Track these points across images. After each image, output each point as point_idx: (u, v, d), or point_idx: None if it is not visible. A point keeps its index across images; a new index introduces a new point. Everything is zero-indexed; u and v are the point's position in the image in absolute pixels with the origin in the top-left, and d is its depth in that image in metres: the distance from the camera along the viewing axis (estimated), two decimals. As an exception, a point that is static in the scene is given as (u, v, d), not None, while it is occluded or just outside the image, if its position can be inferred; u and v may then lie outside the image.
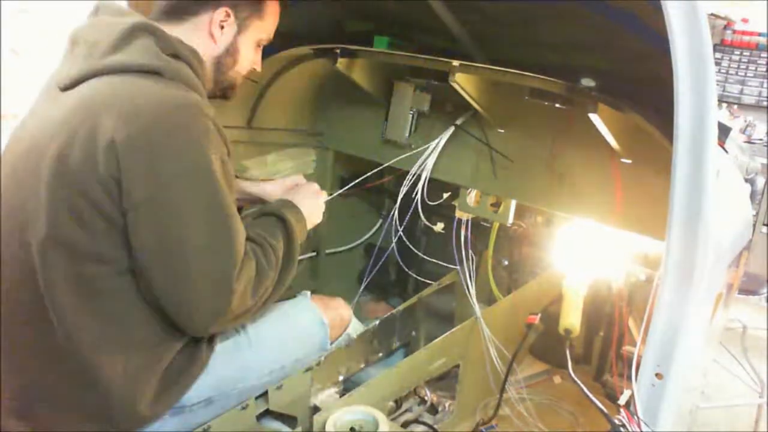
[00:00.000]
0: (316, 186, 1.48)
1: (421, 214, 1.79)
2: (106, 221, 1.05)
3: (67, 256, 1.06)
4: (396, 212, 1.81)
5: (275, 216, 1.28)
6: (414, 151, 1.83)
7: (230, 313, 1.10)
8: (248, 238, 1.16)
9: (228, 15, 1.23)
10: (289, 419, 1.42)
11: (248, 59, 1.32)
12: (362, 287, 2.03)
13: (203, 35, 1.23)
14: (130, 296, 1.10)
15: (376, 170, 1.84)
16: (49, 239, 1.06)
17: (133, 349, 1.12)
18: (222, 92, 1.33)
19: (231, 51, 1.27)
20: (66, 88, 1.12)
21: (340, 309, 1.53)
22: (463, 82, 1.55)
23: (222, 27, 1.23)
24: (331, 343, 1.48)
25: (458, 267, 1.74)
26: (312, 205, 1.40)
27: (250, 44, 1.30)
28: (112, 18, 1.17)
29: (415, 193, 1.77)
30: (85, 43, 1.14)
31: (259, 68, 1.37)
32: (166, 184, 1.04)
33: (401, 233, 1.84)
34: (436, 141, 1.77)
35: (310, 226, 1.39)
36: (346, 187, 1.89)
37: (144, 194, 1.03)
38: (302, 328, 1.44)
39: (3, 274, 1.12)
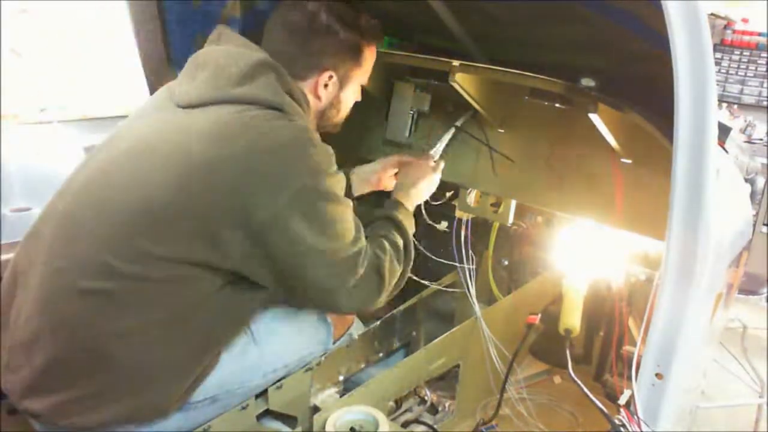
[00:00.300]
0: (422, 163, 1.61)
1: (425, 215, 1.79)
2: (218, 238, 1.12)
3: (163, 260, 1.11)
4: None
5: (391, 221, 1.44)
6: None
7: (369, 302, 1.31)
8: (373, 239, 1.35)
9: (331, 78, 1.33)
10: (289, 419, 1.42)
11: (350, 105, 1.44)
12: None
13: (309, 93, 1.33)
14: (208, 303, 1.17)
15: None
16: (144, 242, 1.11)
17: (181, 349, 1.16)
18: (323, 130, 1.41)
19: (335, 104, 1.39)
20: (187, 107, 1.20)
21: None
22: (463, 82, 1.55)
23: (326, 86, 1.34)
24: (334, 342, 1.49)
25: (458, 267, 1.74)
26: (423, 187, 1.58)
27: (353, 92, 1.43)
28: (236, 48, 1.25)
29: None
30: (210, 68, 1.21)
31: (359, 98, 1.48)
32: (286, 205, 1.13)
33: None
34: (438, 145, 1.77)
35: (422, 200, 1.60)
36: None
37: (268, 214, 1.12)
38: (306, 326, 1.44)
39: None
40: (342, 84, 1.37)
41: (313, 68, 1.31)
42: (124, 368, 1.12)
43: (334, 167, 1.25)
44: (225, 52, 1.24)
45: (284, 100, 1.21)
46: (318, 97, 1.35)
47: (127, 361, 1.12)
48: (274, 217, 1.13)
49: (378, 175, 1.66)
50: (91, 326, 1.11)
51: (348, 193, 1.64)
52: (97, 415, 1.11)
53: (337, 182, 1.24)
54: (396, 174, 1.66)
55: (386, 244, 1.36)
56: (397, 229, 1.42)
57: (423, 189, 1.59)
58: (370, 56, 1.40)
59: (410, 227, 1.46)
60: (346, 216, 1.26)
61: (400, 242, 1.40)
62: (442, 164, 1.65)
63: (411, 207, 1.53)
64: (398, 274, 1.37)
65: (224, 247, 1.13)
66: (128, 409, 1.13)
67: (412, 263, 1.43)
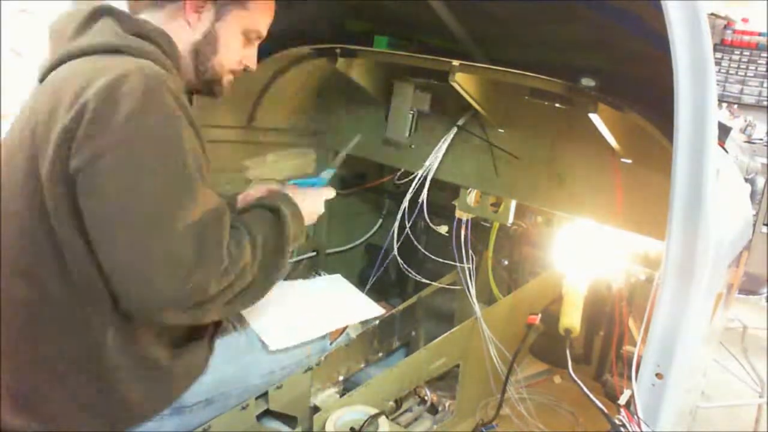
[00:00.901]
0: (323, 189, 1.43)
1: (426, 216, 1.79)
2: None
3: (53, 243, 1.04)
4: (405, 211, 1.81)
5: (267, 208, 1.21)
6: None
7: (186, 297, 0.98)
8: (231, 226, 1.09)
9: (205, 1, 1.18)
10: (289, 419, 1.42)
11: (232, 51, 1.24)
12: (366, 288, 2.03)
13: (180, 21, 1.18)
14: None
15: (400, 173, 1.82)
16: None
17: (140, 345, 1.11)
18: (207, 87, 1.26)
19: (209, 39, 1.21)
20: (41, 80, 1.11)
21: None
22: (464, 82, 1.55)
23: (198, 12, 1.18)
24: (331, 344, 1.49)
25: (458, 267, 1.74)
26: (312, 202, 1.35)
27: (234, 34, 1.23)
28: (78, 8, 1.16)
29: (412, 191, 1.77)
30: (55, 34, 1.15)
31: (252, 65, 1.30)
32: (126, 139, 0.97)
33: (407, 232, 1.84)
34: (440, 144, 1.76)
35: (309, 222, 1.32)
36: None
37: (103, 145, 0.96)
38: None
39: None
40: (218, 16, 1.20)
41: None
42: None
43: (186, 124, 1.04)
44: (66, 13, 1.17)
45: (121, 41, 1.07)
46: (189, 24, 1.19)
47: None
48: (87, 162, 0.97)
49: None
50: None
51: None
52: None
53: (178, 130, 1.01)
54: None
55: (247, 231, 1.12)
56: (275, 223, 1.19)
57: (311, 203, 1.35)
58: (258, 3, 1.24)
59: (295, 227, 1.22)
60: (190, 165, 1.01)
61: (267, 238, 1.15)
62: (332, 193, 1.45)
63: (302, 215, 1.28)
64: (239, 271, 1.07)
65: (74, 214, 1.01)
66: None
67: (277, 272, 1.17)
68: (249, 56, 1.28)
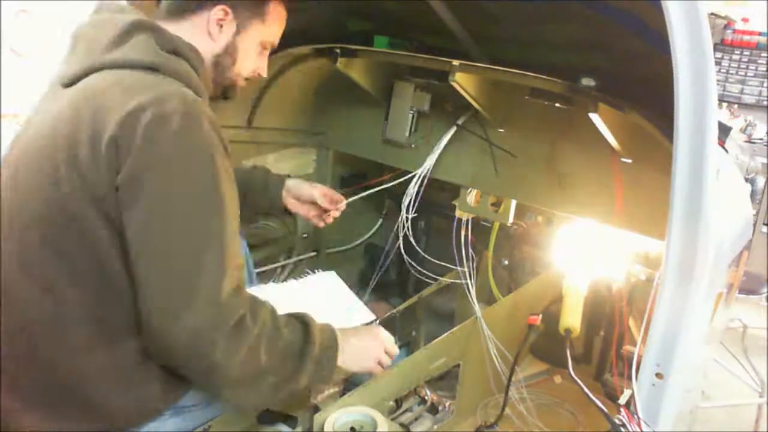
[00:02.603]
0: (381, 332, 1.34)
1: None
2: (108, 215, 1.04)
3: (76, 243, 1.05)
4: (409, 211, 1.81)
5: (303, 322, 1.17)
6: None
7: (211, 341, 0.99)
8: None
9: (226, 13, 1.22)
10: (289, 419, 1.42)
11: (249, 61, 1.30)
12: (369, 288, 2.02)
13: (202, 33, 1.22)
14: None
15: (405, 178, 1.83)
16: (52, 231, 1.05)
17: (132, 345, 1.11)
18: (222, 92, 1.32)
19: (230, 50, 1.26)
20: (68, 85, 1.12)
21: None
22: (464, 82, 1.55)
23: (220, 26, 1.22)
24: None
25: (458, 267, 1.74)
26: (360, 349, 1.27)
27: (252, 46, 1.29)
28: (112, 15, 1.18)
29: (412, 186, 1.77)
30: (85, 40, 1.16)
31: (264, 74, 1.36)
32: (160, 167, 1.01)
33: (407, 231, 1.84)
34: (439, 143, 1.76)
35: (347, 367, 1.25)
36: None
37: (136, 171, 1.00)
38: None
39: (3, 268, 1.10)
40: (239, 29, 1.25)
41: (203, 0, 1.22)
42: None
43: (218, 145, 1.07)
44: (99, 20, 1.18)
45: (160, 60, 1.10)
46: (212, 38, 1.23)
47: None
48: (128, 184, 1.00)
49: (308, 193, 1.64)
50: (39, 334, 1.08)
51: (277, 194, 1.64)
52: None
53: (212, 155, 1.05)
54: (312, 204, 1.66)
55: (284, 327, 1.12)
56: (307, 335, 1.14)
57: (356, 349, 1.27)
58: (275, 14, 1.29)
59: (323, 353, 1.16)
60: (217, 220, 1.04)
61: (297, 346, 1.12)
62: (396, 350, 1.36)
63: (340, 355, 1.21)
64: (260, 364, 1.05)
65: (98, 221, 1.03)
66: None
67: (290, 385, 1.13)
68: (263, 65, 1.35)
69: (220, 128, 1.10)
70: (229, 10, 1.22)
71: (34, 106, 1.23)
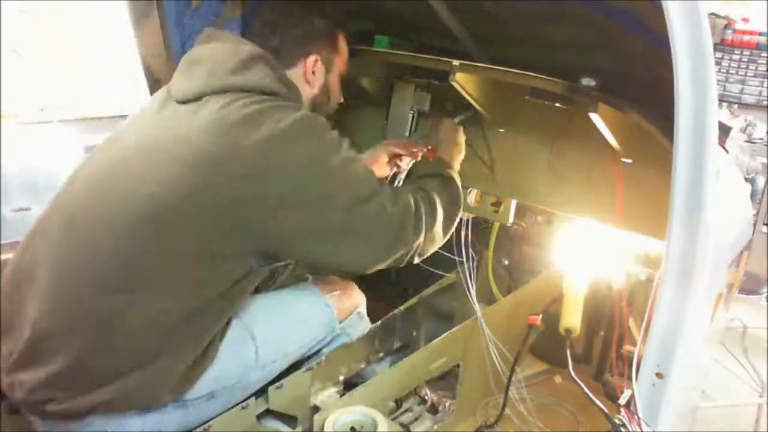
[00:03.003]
0: (447, 123, 1.66)
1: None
2: (235, 224, 1.15)
3: (175, 242, 1.15)
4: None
5: (437, 176, 1.50)
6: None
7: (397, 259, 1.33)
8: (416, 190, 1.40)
9: (317, 61, 1.38)
10: (289, 419, 1.42)
11: (337, 93, 1.49)
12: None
13: (300, 82, 1.36)
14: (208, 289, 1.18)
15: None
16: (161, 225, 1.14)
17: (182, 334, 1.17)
18: None
19: (324, 90, 1.43)
20: (186, 101, 1.22)
21: (348, 289, 1.55)
22: (464, 82, 1.55)
23: (314, 73, 1.39)
24: (341, 323, 1.49)
25: (458, 267, 1.74)
26: (460, 142, 1.63)
27: (337, 78, 1.47)
28: (229, 44, 1.29)
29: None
30: (205, 64, 1.25)
31: (342, 100, 1.52)
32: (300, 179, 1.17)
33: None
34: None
35: (462, 155, 1.63)
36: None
37: (282, 190, 1.16)
38: (303, 311, 1.44)
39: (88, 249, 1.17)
40: (327, 69, 1.42)
41: (299, 55, 1.37)
42: (134, 352, 1.15)
43: (345, 143, 1.28)
44: (218, 47, 1.29)
45: (280, 87, 1.26)
46: (309, 83, 1.39)
47: (139, 347, 1.15)
48: (292, 193, 1.17)
49: (372, 160, 1.67)
50: (111, 320, 1.13)
51: None
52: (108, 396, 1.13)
53: (348, 152, 1.27)
54: (389, 161, 1.69)
55: (431, 195, 1.40)
56: (444, 183, 1.47)
57: (461, 144, 1.63)
58: (342, 41, 1.46)
59: (457, 181, 1.52)
60: (365, 173, 1.30)
61: (446, 197, 1.44)
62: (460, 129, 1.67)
63: (456, 165, 1.59)
64: (439, 221, 1.39)
65: (242, 232, 1.17)
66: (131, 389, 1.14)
67: (457, 216, 1.48)
68: (341, 91, 1.51)
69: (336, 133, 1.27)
70: (318, 58, 1.39)
71: (135, 112, 1.35)
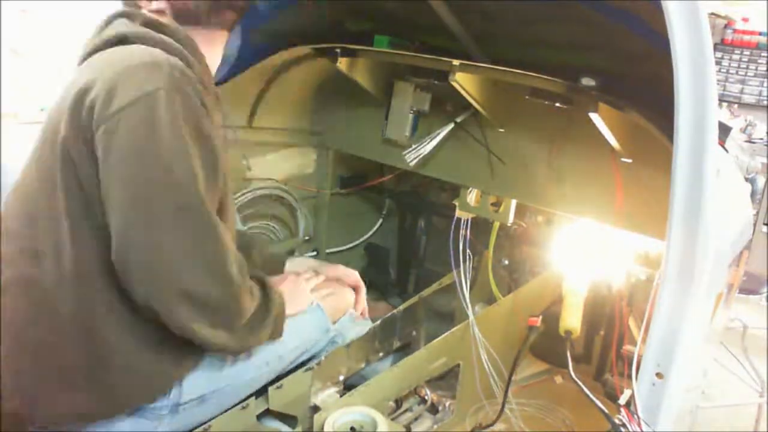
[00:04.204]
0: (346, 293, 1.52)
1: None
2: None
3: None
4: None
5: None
6: (415, 153, 1.82)
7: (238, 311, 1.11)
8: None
9: None
10: (289, 419, 1.42)
11: None
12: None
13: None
14: None
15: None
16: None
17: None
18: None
19: None
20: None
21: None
22: (464, 82, 1.55)
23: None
24: (334, 323, 1.47)
25: (455, 268, 1.74)
26: (292, 292, 1.39)
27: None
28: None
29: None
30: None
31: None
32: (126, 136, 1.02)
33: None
34: (435, 134, 1.76)
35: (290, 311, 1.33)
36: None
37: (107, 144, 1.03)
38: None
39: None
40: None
41: None
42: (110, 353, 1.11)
43: (196, 110, 1.06)
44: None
45: (130, 31, 1.12)
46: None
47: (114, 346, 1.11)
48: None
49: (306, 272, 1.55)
50: (80, 315, 1.10)
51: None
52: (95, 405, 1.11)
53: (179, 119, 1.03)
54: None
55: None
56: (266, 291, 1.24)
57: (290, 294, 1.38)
58: None
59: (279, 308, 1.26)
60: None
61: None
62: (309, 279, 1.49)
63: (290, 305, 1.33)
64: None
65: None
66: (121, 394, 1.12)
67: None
68: None
69: (200, 92, 1.08)
70: None
71: None
